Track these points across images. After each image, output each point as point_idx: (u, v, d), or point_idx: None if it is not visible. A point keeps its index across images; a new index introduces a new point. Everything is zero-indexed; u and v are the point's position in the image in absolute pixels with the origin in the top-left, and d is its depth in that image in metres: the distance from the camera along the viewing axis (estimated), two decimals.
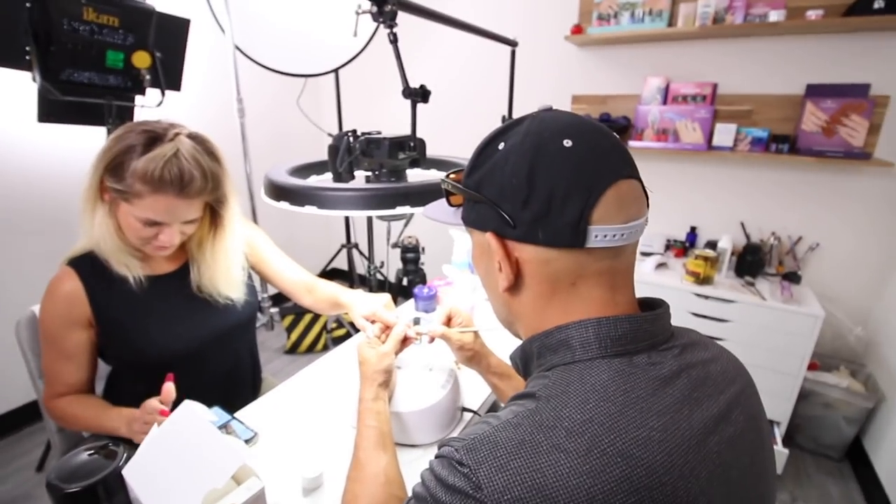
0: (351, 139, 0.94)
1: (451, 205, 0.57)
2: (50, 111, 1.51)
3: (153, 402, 0.80)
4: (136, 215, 0.83)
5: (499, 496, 0.36)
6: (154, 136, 0.82)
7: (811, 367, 1.95)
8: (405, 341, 0.87)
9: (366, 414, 0.74)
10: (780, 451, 1.76)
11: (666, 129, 2.11)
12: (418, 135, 0.93)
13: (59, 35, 1.40)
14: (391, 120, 2.90)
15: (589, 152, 0.44)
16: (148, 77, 1.61)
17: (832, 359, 2.05)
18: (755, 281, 1.94)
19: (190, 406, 0.63)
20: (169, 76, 1.68)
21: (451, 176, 0.55)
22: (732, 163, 2.13)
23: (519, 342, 0.53)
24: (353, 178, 0.98)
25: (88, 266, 0.89)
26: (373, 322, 0.90)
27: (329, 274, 3.46)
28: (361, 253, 2.94)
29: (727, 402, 0.46)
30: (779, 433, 1.87)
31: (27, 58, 1.39)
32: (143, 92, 1.64)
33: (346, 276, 3.19)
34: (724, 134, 2.01)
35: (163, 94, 1.66)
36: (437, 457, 0.43)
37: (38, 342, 0.97)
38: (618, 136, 0.47)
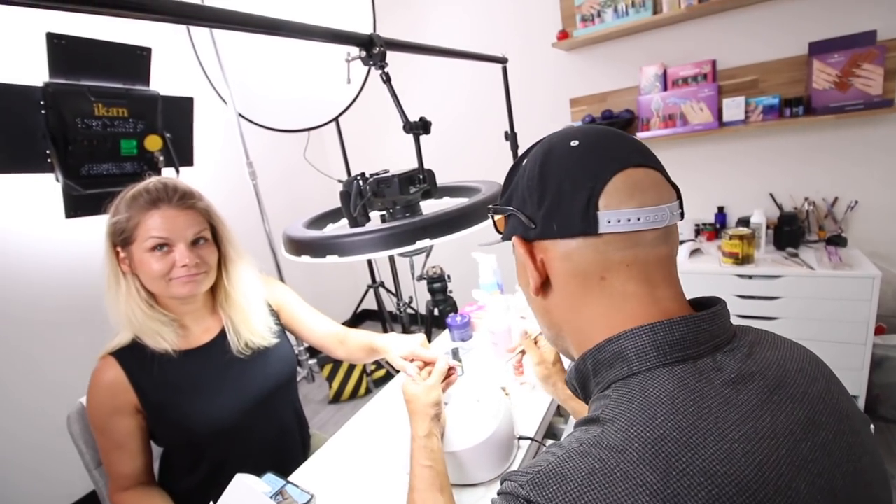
0: (361, 182, 0.94)
1: (498, 231, 0.57)
2: (76, 206, 1.58)
3: None
4: (145, 247, 0.86)
5: None
6: (134, 185, 0.91)
7: (878, 331, 1.82)
8: (448, 376, 0.86)
9: (419, 453, 0.72)
10: None
11: (672, 114, 2.07)
12: (427, 165, 0.93)
13: (74, 134, 1.47)
14: (399, 155, 2.94)
15: (594, 146, 0.46)
16: (161, 158, 1.67)
17: None
18: (798, 251, 1.84)
19: (241, 480, 0.61)
20: (181, 153, 1.75)
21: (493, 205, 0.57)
22: (748, 135, 2.07)
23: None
24: (368, 219, 0.98)
25: (128, 354, 0.91)
26: (412, 361, 0.90)
27: (360, 316, 3.46)
28: (389, 291, 2.93)
29: (811, 403, 0.41)
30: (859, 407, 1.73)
31: (48, 160, 1.46)
32: (159, 173, 1.71)
33: (377, 317, 3.19)
34: (734, 108, 1.96)
35: (177, 171, 1.72)
36: (500, 493, 0.40)
37: (90, 433, 0.99)
38: (632, 136, 0.48)
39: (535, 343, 0.90)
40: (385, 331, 2.88)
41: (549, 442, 0.95)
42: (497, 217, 0.55)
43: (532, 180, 0.47)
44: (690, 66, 2.05)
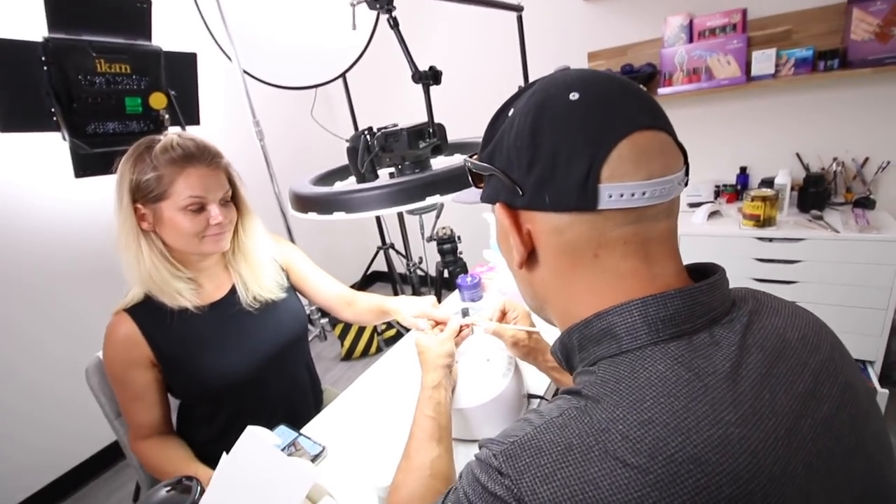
0: (368, 137, 0.90)
1: (477, 187, 0.52)
2: (84, 165, 1.57)
3: None
4: (179, 204, 0.85)
5: None
6: (150, 139, 0.87)
7: None
8: (459, 333, 0.85)
9: (424, 403, 0.72)
10: (879, 392, 1.62)
11: (697, 68, 1.96)
12: (437, 120, 0.89)
13: (78, 91, 1.44)
14: (408, 113, 2.86)
15: (597, 103, 0.38)
16: (167, 116, 1.64)
17: None
18: (823, 214, 1.77)
19: (252, 432, 0.62)
20: (186, 111, 1.71)
21: (472, 156, 0.50)
22: (777, 91, 1.95)
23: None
24: (376, 176, 0.95)
25: (141, 310, 0.92)
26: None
27: (370, 277, 3.48)
28: (399, 252, 2.93)
29: (813, 374, 0.38)
30: (874, 373, 1.71)
31: (54, 119, 1.44)
32: (165, 132, 1.68)
33: (387, 278, 3.20)
34: (763, 61, 1.84)
35: (183, 129, 1.69)
36: (476, 457, 0.39)
37: (108, 385, 1.01)
38: (640, 86, 0.41)
39: (504, 315, 0.85)
40: (395, 292, 2.90)
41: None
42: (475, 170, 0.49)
43: (521, 139, 0.40)
44: (719, 15, 1.91)
